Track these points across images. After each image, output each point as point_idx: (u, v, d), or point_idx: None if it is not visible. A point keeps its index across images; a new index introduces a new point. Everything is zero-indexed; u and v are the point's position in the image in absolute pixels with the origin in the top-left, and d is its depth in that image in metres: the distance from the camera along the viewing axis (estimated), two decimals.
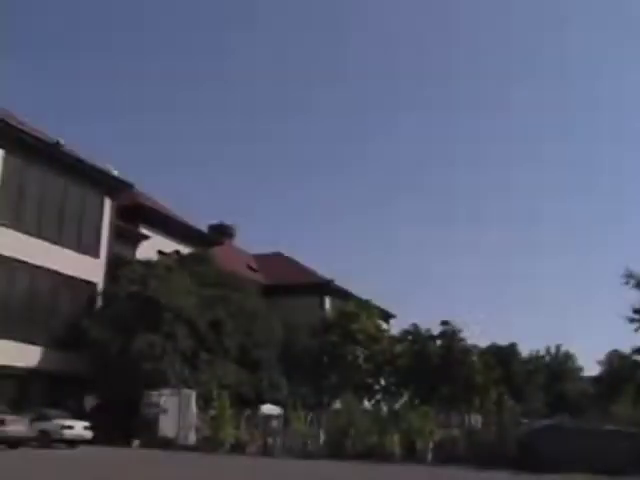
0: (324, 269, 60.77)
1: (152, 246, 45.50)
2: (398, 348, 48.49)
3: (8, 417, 27.61)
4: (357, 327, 47.08)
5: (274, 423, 35.60)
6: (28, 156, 36.52)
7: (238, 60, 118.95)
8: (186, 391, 34.87)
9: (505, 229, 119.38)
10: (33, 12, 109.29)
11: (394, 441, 32.09)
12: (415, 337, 48.83)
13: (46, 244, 37.15)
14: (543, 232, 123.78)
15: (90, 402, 37.47)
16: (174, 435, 34.12)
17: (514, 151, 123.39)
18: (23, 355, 34.84)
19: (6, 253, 34.78)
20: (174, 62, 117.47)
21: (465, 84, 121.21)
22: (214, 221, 63.98)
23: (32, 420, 29.03)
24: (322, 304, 58.06)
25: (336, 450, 32.48)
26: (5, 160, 35.29)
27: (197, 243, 49.72)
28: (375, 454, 31.70)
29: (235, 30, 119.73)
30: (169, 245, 47.29)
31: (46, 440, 29.85)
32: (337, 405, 43.85)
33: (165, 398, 34.57)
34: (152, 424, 34.29)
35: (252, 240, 71.97)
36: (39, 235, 36.90)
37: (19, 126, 36.60)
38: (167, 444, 33.37)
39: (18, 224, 35.77)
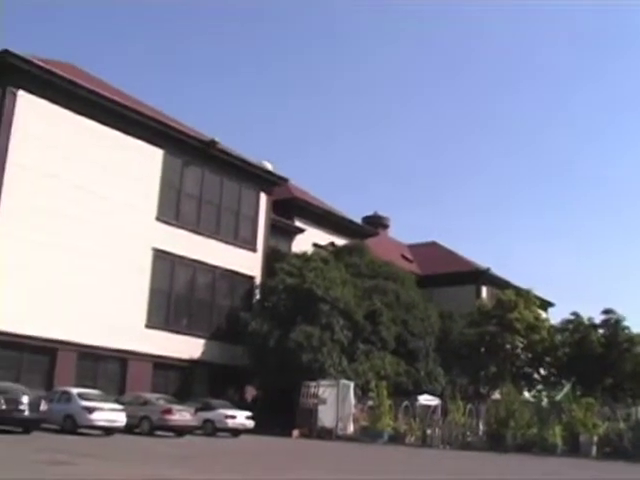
0: (480, 257, 60.06)
1: (307, 239, 46.07)
2: (558, 337, 47.26)
3: (175, 407, 28.81)
4: (515, 316, 46.09)
5: (433, 414, 35.43)
6: (186, 155, 37.81)
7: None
8: (344, 382, 35.13)
9: None
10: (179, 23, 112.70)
11: (556, 433, 31.28)
12: (576, 326, 47.45)
13: (205, 239, 38.32)
14: None
15: (250, 392, 38.42)
16: (333, 425, 34.47)
17: None
18: (186, 347, 36.12)
19: (168, 249, 36.17)
20: (322, 51, 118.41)
21: None
22: (368, 212, 64.40)
23: (197, 410, 30.07)
24: (478, 293, 57.21)
25: (496, 442, 31.96)
26: (165, 160, 36.67)
27: (351, 234, 49.94)
28: (536, 447, 31.00)
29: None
30: (324, 237, 47.77)
31: (211, 429, 30.92)
32: (496, 396, 43.13)
33: (324, 389, 34.93)
34: (311, 414, 34.78)
35: (406, 230, 71.85)
36: (198, 231, 38.10)
37: (177, 127, 37.87)
38: (326, 434, 33.80)
39: (178, 221, 37.10)
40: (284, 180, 43.81)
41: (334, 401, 34.59)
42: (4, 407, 22.74)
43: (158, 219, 36.04)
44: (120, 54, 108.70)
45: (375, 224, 60.97)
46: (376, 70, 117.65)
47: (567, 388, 41.23)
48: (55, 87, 31.92)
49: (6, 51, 30.05)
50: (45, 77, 31.55)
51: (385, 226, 65.88)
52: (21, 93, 30.82)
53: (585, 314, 48.01)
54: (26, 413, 23.25)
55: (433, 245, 64.40)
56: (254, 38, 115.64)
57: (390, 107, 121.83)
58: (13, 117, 30.43)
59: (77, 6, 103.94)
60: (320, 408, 34.72)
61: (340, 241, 47.80)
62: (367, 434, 33.80)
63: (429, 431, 34.20)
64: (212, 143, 38.66)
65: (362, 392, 36.06)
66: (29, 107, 31.00)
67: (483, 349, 46.21)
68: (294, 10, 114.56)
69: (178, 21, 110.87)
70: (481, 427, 34.35)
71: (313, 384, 35.11)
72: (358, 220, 56.20)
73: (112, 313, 32.72)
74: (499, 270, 58.46)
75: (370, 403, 35.56)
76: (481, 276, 58.19)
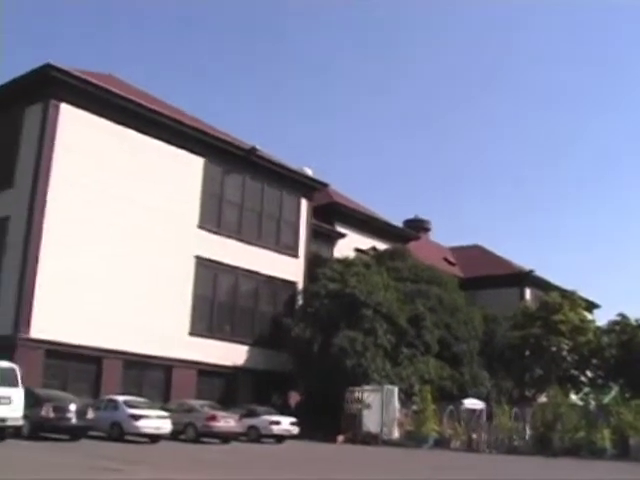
0: (523, 260, 59.63)
1: (348, 244, 46.10)
2: (605, 339, 46.64)
3: (220, 413, 28.93)
4: (560, 318, 45.61)
5: (478, 418, 35.19)
6: (227, 163, 37.99)
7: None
8: (388, 387, 34.99)
9: None
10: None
11: (604, 437, 30.88)
12: (623, 327, 46.81)
13: (247, 246, 38.44)
14: None
15: (294, 398, 38.47)
16: (377, 430, 34.38)
17: None
18: (230, 354, 36.27)
19: (210, 256, 36.37)
20: (357, 67, 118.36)
21: None
22: (409, 216, 64.23)
23: (242, 416, 30.18)
24: (522, 295, 56.77)
25: (543, 446, 31.66)
26: (206, 168, 36.90)
27: (393, 239, 49.83)
28: (584, 450, 30.64)
29: None
30: (365, 242, 47.74)
31: (255, 435, 31.03)
32: (542, 399, 42.70)
33: (368, 394, 34.83)
34: (356, 420, 34.70)
35: (448, 233, 71.54)
36: (240, 238, 38.25)
37: (217, 135, 38.08)
38: (371, 439, 33.71)
39: (220, 228, 37.30)
40: (324, 185, 43.84)
41: (378, 406, 34.45)
42: (52, 415, 23.11)
43: (200, 227, 36.26)
44: (153, 62, 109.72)
45: (416, 227, 60.77)
46: (423, 74, 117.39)
47: (615, 390, 40.73)
48: (96, 98, 32.27)
49: (48, 65, 30.44)
50: (86, 89, 31.90)
51: (426, 229, 65.71)
52: (63, 106, 31.20)
53: (632, 315, 47.41)
54: (73, 421, 23.62)
55: (475, 248, 64.07)
56: (287, 42, 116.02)
57: (434, 110, 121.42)
58: (56, 130, 30.81)
59: (108, 16, 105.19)
60: (364, 413, 34.63)
61: (381, 245, 47.71)
62: (412, 439, 33.67)
63: (475, 435, 34.00)
64: (252, 150, 38.81)
65: (406, 397, 35.90)
66: (71, 119, 31.37)
67: (528, 352, 45.84)
68: (332, 11, 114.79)
69: (211, 28, 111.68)
70: (527, 431, 34.04)
71: (357, 389, 35.02)
72: (399, 224, 56.06)
73: (156, 321, 32.99)
74: (543, 272, 58.06)
75: (414, 408, 35.43)
76: (524, 278, 57.76)
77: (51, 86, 30.97)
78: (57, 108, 30.96)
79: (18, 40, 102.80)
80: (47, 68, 30.54)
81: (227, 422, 28.78)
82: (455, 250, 64.86)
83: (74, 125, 31.40)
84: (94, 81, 32.29)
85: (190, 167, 36.16)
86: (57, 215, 30.22)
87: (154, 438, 26.06)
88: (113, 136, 32.92)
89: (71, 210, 30.76)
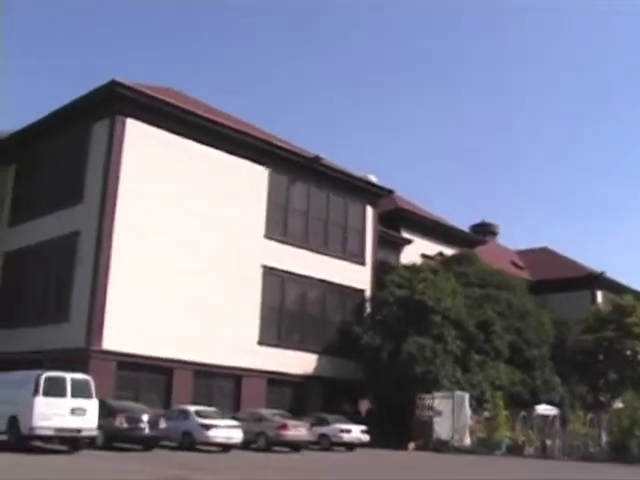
0: (592, 262, 58.59)
1: (415, 250, 45.84)
2: None
3: (290, 422, 28.98)
4: (634, 320, 44.64)
5: (552, 424, 34.63)
6: (291, 172, 38.10)
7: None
8: (459, 393, 34.66)
9: None
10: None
11: None
12: None
13: (313, 254, 38.48)
14: None
15: (364, 406, 38.35)
16: (448, 437, 34.08)
17: None
18: (299, 363, 36.29)
19: (277, 266, 36.49)
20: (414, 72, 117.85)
21: None
22: (476, 220, 63.70)
23: (312, 424, 30.18)
24: (594, 298, 55.67)
25: (619, 452, 30.95)
26: (271, 178, 37.07)
27: (460, 244, 49.46)
28: None
29: None
30: (432, 248, 47.44)
31: (326, 443, 31.05)
32: (618, 404, 41.80)
33: (438, 400, 34.55)
34: (427, 427, 34.44)
35: (515, 237, 70.68)
36: (306, 246, 38.31)
37: (282, 145, 38.24)
38: (442, 446, 33.42)
39: (286, 237, 37.42)
40: (390, 192, 43.65)
41: (449, 413, 34.18)
42: (125, 426, 23.49)
43: (267, 236, 36.41)
44: (210, 74, 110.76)
45: (483, 232, 60.24)
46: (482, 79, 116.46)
47: None
48: (160, 112, 32.67)
49: (114, 82, 30.94)
50: (149, 103, 32.35)
51: (494, 233, 65.08)
52: (129, 121, 31.68)
53: None
54: (146, 431, 23.98)
55: (543, 250, 63.07)
56: (351, 49, 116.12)
57: (500, 112, 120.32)
58: (123, 144, 31.31)
59: (168, 31, 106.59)
60: (435, 420, 34.37)
61: (448, 251, 47.37)
62: (484, 446, 33.35)
63: (549, 442, 33.48)
64: (316, 159, 38.87)
65: (477, 403, 35.57)
66: (137, 133, 31.85)
67: (601, 356, 44.94)
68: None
69: (273, 36, 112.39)
70: (603, 437, 33.35)
71: (428, 396, 34.77)
72: (466, 229, 55.58)
73: (225, 331, 33.23)
74: (614, 274, 56.93)
75: (486, 414, 35.09)
76: (595, 280, 56.60)
77: (117, 102, 31.48)
78: (123, 123, 31.46)
79: (78, 55, 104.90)
80: (112, 85, 31.06)
81: (298, 430, 28.81)
82: (522, 253, 63.98)
83: (140, 139, 31.88)
84: (158, 95, 32.75)
85: (255, 177, 36.36)
86: (125, 229, 30.68)
87: (225, 447, 26.27)
88: (178, 149, 33.32)
89: (139, 223, 31.19)
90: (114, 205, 30.61)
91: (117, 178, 30.90)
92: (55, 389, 21.05)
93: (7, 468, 16.78)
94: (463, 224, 56.97)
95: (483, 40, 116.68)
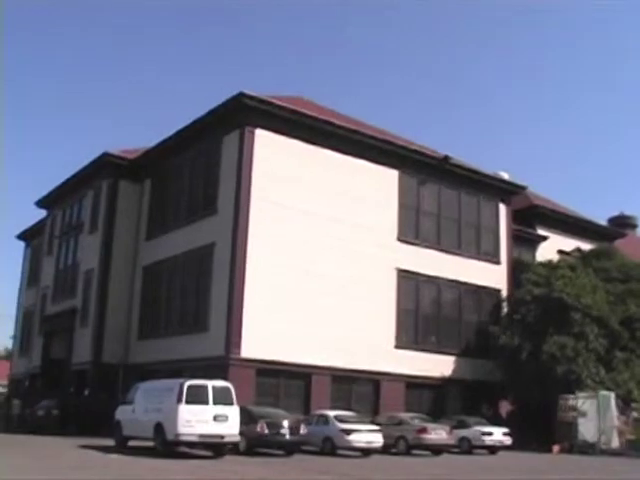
0: None
1: (550, 246, 44.68)
2: None
3: (430, 425, 28.89)
4: None
5: None
6: (421, 173, 37.82)
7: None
8: (604, 393, 33.55)
9: None
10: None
11: None
12: None
13: (447, 255, 38.11)
14: None
15: (504, 408, 37.69)
16: (594, 439, 33.04)
17: None
18: (436, 365, 36.01)
19: (411, 268, 36.32)
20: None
21: None
22: (613, 213, 61.66)
23: (452, 427, 29.89)
24: None
25: None
26: (400, 180, 36.93)
27: (597, 238, 47.88)
28: None
29: None
30: (568, 243, 46.06)
31: (467, 446, 30.74)
32: None
33: (582, 401, 33.56)
34: (571, 428, 33.53)
35: None
36: (439, 247, 37.98)
37: (410, 146, 38.06)
38: (587, 449, 32.45)
39: (419, 239, 37.20)
40: (522, 188, 42.74)
41: (594, 414, 33.10)
42: (267, 431, 23.88)
43: (399, 239, 36.29)
44: (338, 82, 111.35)
45: (622, 225, 58.22)
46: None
47: None
48: (288, 121, 33.07)
49: (241, 94, 31.53)
50: (278, 113, 32.78)
51: (634, 226, 62.85)
52: (258, 131, 32.20)
53: None
54: (287, 437, 24.29)
55: None
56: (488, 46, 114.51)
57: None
58: (253, 154, 31.85)
59: (301, 44, 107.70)
60: (580, 421, 33.37)
61: (586, 246, 45.87)
62: (635, 448, 32.08)
63: None
64: (446, 158, 38.49)
65: (624, 403, 34.34)
66: (267, 143, 32.33)
67: None
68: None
69: (393, 43, 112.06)
70: None
71: (571, 396, 33.82)
72: (603, 222, 53.87)
73: (362, 336, 33.30)
74: None
75: (635, 414, 33.81)
76: None
77: (245, 113, 32.08)
78: (252, 134, 32.01)
79: (208, 71, 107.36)
80: (240, 96, 31.66)
81: (438, 434, 28.63)
82: None
83: (270, 149, 32.36)
84: (286, 105, 33.14)
85: (385, 180, 36.31)
86: (259, 237, 31.19)
87: (366, 452, 26.29)
88: (307, 156, 33.65)
89: (272, 231, 31.66)
90: (247, 216, 31.15)
91: (249, 188, 31.45)
92: (198, 396, 21.66)
93: (159, 471, 17.50)
94: (600, 218, 55.29)
95: None
